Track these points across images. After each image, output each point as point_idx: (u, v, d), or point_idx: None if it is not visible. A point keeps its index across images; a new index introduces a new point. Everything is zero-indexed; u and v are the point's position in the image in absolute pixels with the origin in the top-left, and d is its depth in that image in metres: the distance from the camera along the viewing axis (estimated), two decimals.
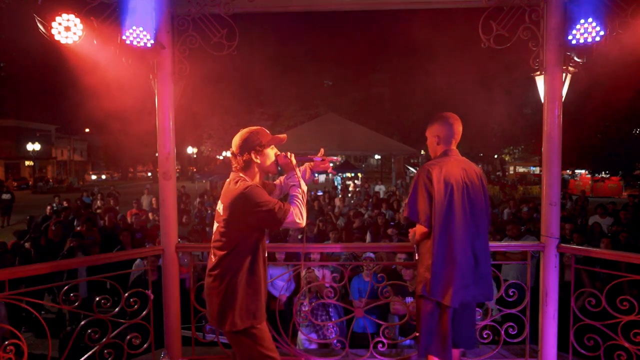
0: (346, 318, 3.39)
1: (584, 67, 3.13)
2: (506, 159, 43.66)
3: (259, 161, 2.35)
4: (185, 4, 3.19)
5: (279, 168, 2.44)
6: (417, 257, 2.72)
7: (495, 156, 41.03)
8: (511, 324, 3.27)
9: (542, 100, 3.23)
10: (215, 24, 3.20)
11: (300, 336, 4.35)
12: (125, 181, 44.12)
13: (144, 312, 3.24)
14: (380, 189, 18.30)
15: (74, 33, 2.75)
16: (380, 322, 3.48)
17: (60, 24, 2.73)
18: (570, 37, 2.97)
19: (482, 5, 3.12)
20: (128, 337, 3.19)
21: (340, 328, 4.22)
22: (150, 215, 10.99)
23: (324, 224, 7.96)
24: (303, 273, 3.82)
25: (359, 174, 29.94)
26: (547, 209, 3.25)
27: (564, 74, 3.15)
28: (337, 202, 13.36)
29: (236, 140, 2.36)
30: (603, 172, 24.08)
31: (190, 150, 40.16)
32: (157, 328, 3.35)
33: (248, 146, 2.32)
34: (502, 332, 3.26)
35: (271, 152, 2.41)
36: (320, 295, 4.10)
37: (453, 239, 2.46)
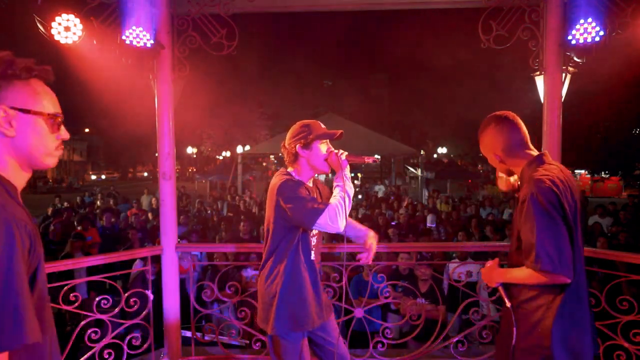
0: (346, 318, 3.39)
1: (583, 67, 3.13)
2: None
3: (305, 155, 2.19)
4: (184, 4, 3.19)
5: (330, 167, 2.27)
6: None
7: None
8: None
9: (542, 101, 3.23)
10: (215, 24, 3.20)
11: None
12: (124, 181, 44.14)
13: (144, 312, 3.24)
14: (380, 189, 18.31)
15: (74, 33, 2.75)
16: (381, 322, 3.48)
17: (60, 24, 2.73)
18: (569, 38, 2.97)
19: (482, 5, 3.12)
20: (128, 337, 3.19)
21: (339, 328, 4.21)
22: (149, 215, 10.99)
23: None
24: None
25: (359, 174, 29.96)
26: None
27: (564, 74, 3.15)
28: None
29: (289, 133, 2.25)
30: (603, 172, 24.11)
31: (190, 150, 40.19)
32: (157, 328, 3.35)
33: (296, 138, 2.19)
34: None
35: (322, 148, 2.21)
36: None
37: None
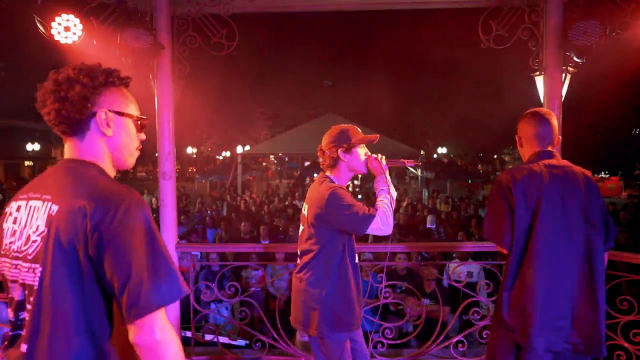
0: None
1: (584, 68, 3.13)
2: (506, 159, 43.66)
3: (346, 160, 2.23)
4: (184, 4, 3.19)
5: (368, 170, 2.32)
6: None
7: (495, 156, 41.07)
8: None
9: (542, 101, 3.23)
10: (214, 24, 3.20)
11: (299, 336, 4.35)
12: (125, 181, 44.13)
13: None
14: None
15: (74, 33, 2.75)
16: (380, 323, 3.49)
17: (59, 24, 2.73)
18: (570, 38, 2.97)
19: (482, 5, 3.13)
20: None
21: None
22: None
23: None
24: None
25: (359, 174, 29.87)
26: None
27: (564, 74, 3.15)
28: None
29: (326, 137, 2.28)
30: (603, 172, 24.11)
31: (190, 150, 40.20)
32: None
33: (337, 143, 2.22)
34: None
35: (361, 152, 2.28)
36: None
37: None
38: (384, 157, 2.27)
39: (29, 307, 1.10)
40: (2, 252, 1.19)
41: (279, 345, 3.33)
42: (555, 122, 2.17)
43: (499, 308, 2.02)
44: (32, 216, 1.14)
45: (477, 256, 5.66)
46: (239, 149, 22.25)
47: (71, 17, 2.74)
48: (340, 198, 2.11)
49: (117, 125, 1.24)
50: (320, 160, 2.32)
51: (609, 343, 2.90)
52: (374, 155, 2.28)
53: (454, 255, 5.54)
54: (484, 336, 3.36)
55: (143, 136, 1.34)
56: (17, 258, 1.14)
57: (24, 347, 1.08)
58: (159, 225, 3.49)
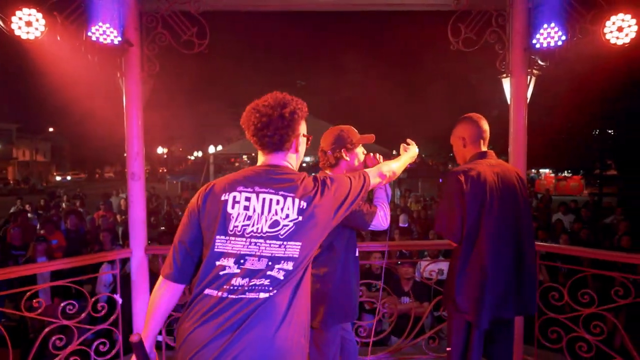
0: None
1: (547, 71, 3.25)
2: None
3: (348, 159, 2.35)
4: (154, 0, 3.12)
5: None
6: None
7: None
8: None
9: (509, 102, 3.33)
10: (185, 21, 3.15)
11: None
12: (92, 182, 42.75)
13: (112, 317, 3.15)
14: None
15: (36, 28, 2.64)
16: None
17: (20, 18, 2.62)
18: (534, 41, 3.07)
19: (451, 8, 3.20)
20: (95, 343, 3.09)
21: None
22: (118, 217, 10.70)
23: None
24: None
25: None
26: None
27: (529, 77, 3.26)
28: None
29: (327, 137, 2.38)
30: (566, 172, 25.08)
31: (161, 150, 39.31)
32: (126, 333, 3.26)
33: (340, 143, 2.34)
34: None
35: (360, 152, 2.41)
36: None
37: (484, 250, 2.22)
38: (381, 156, 2.38)
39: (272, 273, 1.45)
40: (230, 232, 1.48)
41: None
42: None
43: (451, 294, 2.25)
44: (270, 206, 1.49)
45: (447, 254, 5.77)
46: (211, 149, 21.94)
47: (33, 11, 2.63)
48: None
49: (302, 144, 1.70)
50: (321, 160, 2.42)
51: (572, 335, 3.03)
52: (372, 155, 2.39)
53: (426, 253, 5.64)
54: None
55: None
56: (259, 237, 1.47)
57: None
58: (127, 228, 3.40)
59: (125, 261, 3.82)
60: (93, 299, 3.07)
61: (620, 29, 2.76)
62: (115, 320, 3.17)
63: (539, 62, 3.19)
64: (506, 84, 3.33)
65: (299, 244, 1.47)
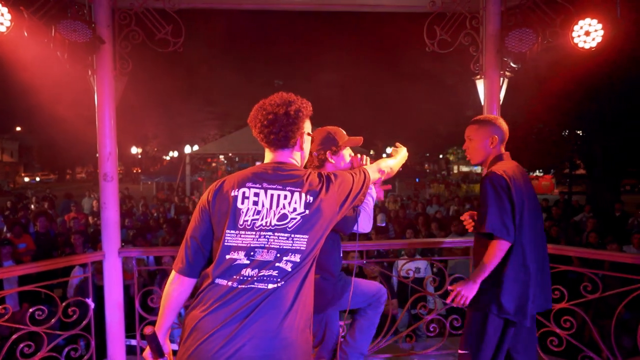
0: None
1: (519, 73, 3.34)
2: (450, 158, 45.61)
3: (333, 162, 2.33)
4: None
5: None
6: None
7: (441, 156, 42.76)
8: (456, 316, 3.42)
9: (482, 103, 3.41)
10: (160, 19, 3.09)
11: None
12: (62, 183, 41.44)
13: (84, 322, 3.06)
14: None
15: (1, 24, 2.54)
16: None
17: None
18: (506, 44, 3.15)
19: (427, 10, 3.24)
20: (66, 349, 3.00)
21: None
22: (90, 219, 10.42)
23: None
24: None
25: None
26: None
27: (501, 79, 3.34)
28: None
29: (314, 139, 2.34)
30: (537, 171, 25.81)
31: (135, 150, 38.47)
32: (100, 338, 3.18)
33: (326, 145, 2.32)
34: (448, 325, 3.40)
35: (346, 154, 2.39)
36: None
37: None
38: (368, 158, 2.34)
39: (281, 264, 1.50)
40: (240, 227, 1.54)
41: None
42: None
43: (497, 297, 2.19)
44: (277, 201, 1.55)
45: (424, 252, 5.86)
46: (187, 149, 21.61)
47: None
48: None
49: (306, 142, 1.75)
50: (307, 162, 2.36)
51: (543, 330, 3.11)
52: (359, 157, 2.35)
53: (402, 252, 5.71)
54: (431, 330, 3.49)
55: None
56: (267, 230, 1.52)
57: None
58: (99, 230, 3.31)
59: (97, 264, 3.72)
60: (64, 304, 2.98)
61: (587, 34, 2.85)
62: (88, 325, 3.08)
63: (511, 64, 3.27)
64: (480, 85, 3.40)
65: (306, 236, 1.53)
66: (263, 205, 1.56)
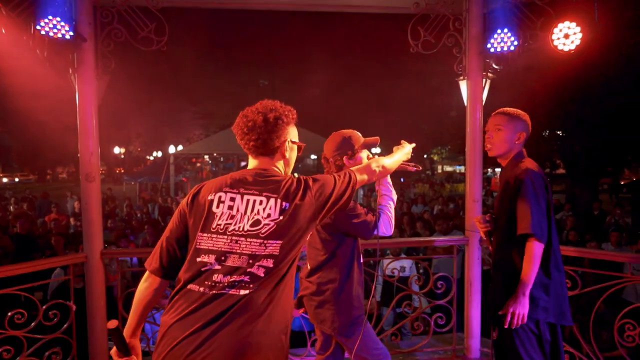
0: None
1: (501, 74, 3.39)
2: (435, 158, 46.05)
3: (350, 165, 2.25)
4: None
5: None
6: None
7: (425, 156, 43.12)
8: (440, 314, 3.46)
9: (465, 104, 3.45)
10: (143, 17, 3.05)
11: None
12: (43, 183, 40.52)
13: (65, 325, 3.01)
14: None
15: None
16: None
17: None
18: (488, 46, 3.21)
19: (411, 12, 3.28)
20: (47, 353, 2.94)
21: None
22: (72, 220, 10.22)
23: None
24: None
25: (295, 174, 29.83)
26: (470, 206, 3.48)
27: (484, 80, 3.39)
28: None
29: (329, 145, 2.33)
30: None
31: (118, 150, 37.85)
32: (82, 341, 3.12)
33: (341, 151, 2.28)
34: (432, 323, 3.44)
35: (364, 156, 2.33)
36: None
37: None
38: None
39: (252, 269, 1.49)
40: (213, 230, 1.54)
41: None
42: None
43: (542, 301, 2.09)
44: (253, 206, 1.55)
45: (409, 252, 5.91)
46: (171, 149, 21.37)
47: None
48: (349, 207, 2.15)
49: (291, 151, 1.75)
50: (324, 167, 2.37)
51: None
52: (376, 158, 2.26)
53: (387, 251, 5.74)
54: (415, 327, 3.52)
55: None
56: (240, 235, 1.52)
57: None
58: (80, 232, 3.26)
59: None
60: (44, 307, 2.92)
61: (566, 36, 2.92)
62: (69, 329, 3.03)
63: (494, 65, 3.32)
64: (463, 86, 3.44)
65: (279, 242, 1.52)
66: (238, 210, 1.56)
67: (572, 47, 2.93)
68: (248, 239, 1.51)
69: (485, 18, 3.29)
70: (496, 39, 3.15)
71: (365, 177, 1.81)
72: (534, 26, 3.10)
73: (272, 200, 1.56)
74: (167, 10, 3.12)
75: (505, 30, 3.11)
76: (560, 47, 2.95)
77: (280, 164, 1.73)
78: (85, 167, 3.09)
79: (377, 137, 2.33)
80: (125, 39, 3.05)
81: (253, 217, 1.54)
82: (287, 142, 1.70)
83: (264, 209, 1.55)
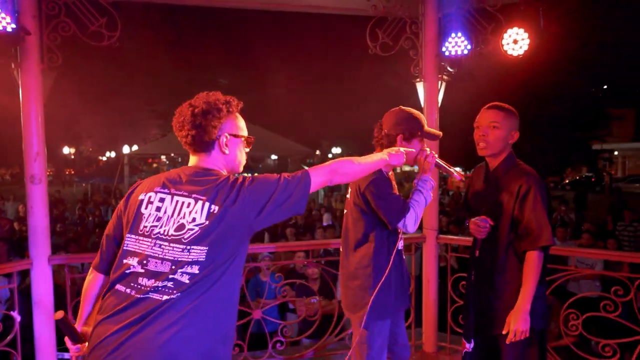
0: (243, 321, 3.34)
1: (456, 77, 3.51)
2: None
3: (401, 146, 2.10)
4: None
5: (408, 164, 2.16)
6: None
7: None
8: None
9: (422, 105, 3.55)
10: (93, 11, 2.91)
11: None
12: None
13: (9, 337, 2.82)
14: None
15: None
16: (279, 322, 3.50)
17: None
18: (444, 49, 3.31)
19: (369, 14, 3.33)
20: None
21: (237, 331, 4.13)
22: (15, 224, 9.61)
23: None
24: None
25: (246, 174, 29.51)
26: (429, 204, 3.56)
27: (440, 82, 3.49)
28: None
29: (392, 117, 2.19)
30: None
31: (67, 150, 35.98)
32: (30, 352, 2.94)
33: (403, 127, 2.14)
34: None
35: (417, 145, 2.17)
36: None
37: None
38: (436, 156, 2.15)
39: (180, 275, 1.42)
40: (140, 232, 1.49)
41: None
42: None
43: (537, 308, 1.98)
44: (180, 209, 1.47)
45: None
46: (126, 149, 20.53)
47: None
48: (381, 186, 2.08)
49: (232, 145, 1.60)
50: (375, 136, 2.21)
51: None
52: (430, 152, 2.13)
53: None
54: None
55: (248, 149, 1.68)
56: (164, 240, 1.45)
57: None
58: (26, 237, 3.06)
59: (25, 274, 3.45)
60: None
61: (515, 42, 3.06)
62: (13, 341, 2.84)
63: (448, 68, 3.43)
64: (420, 87, 3.54)
65: (205, 248, 1.43)
66: (165, 212, 1.49)
67: (521, 52, 3.08)
68: (171, 244, 1.44)
69: (440, 22, 3.39)
70: (450, 42, 3.26)
71: (322, 179, 1.63)
72: (486, 31, 3.23)
73: (199, 204, 1.46)
74: (120, 4, 2.99)
75: (459, 34, 3.22)
76: (510, 51, 3.09)
77: (219, 160, 1.59)
78: (31, 169, 2.91)
79: (441, 132, 2.26)
80: (73, 32, 2.90)
81: (178, 221, 1.46)
82: (224, 137, 1.56)
83: (189, 213, 1.46)
